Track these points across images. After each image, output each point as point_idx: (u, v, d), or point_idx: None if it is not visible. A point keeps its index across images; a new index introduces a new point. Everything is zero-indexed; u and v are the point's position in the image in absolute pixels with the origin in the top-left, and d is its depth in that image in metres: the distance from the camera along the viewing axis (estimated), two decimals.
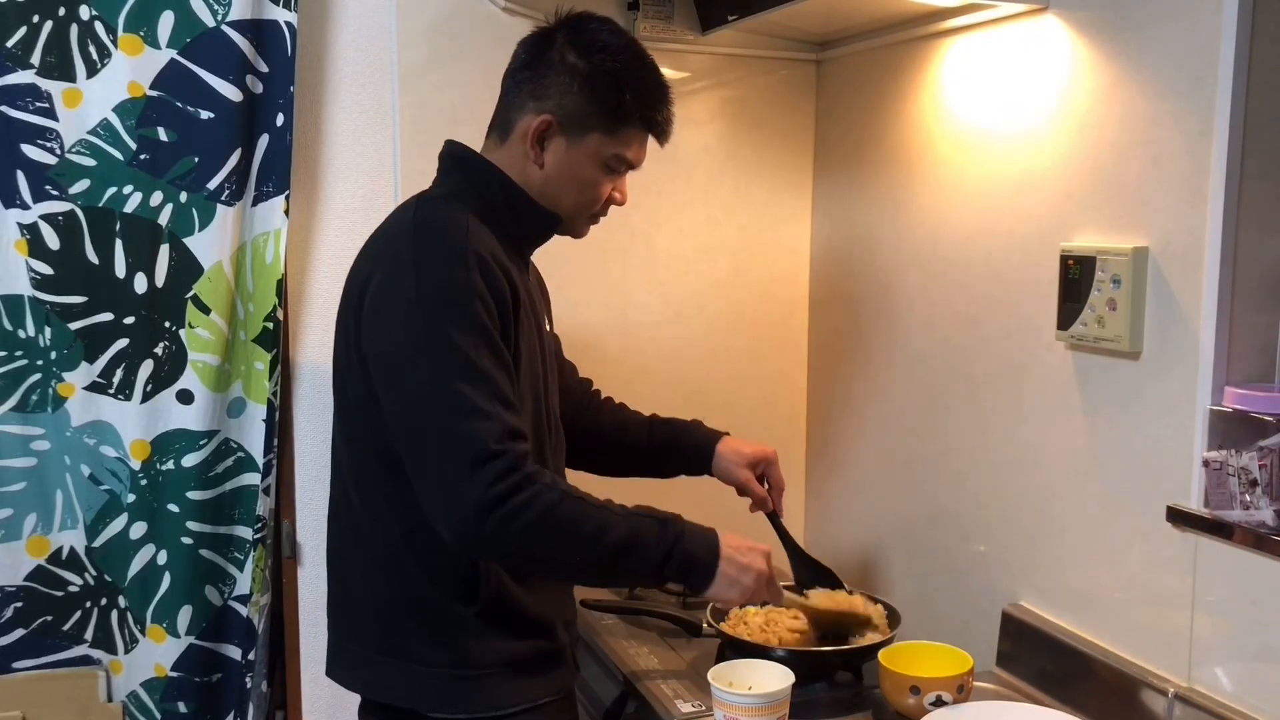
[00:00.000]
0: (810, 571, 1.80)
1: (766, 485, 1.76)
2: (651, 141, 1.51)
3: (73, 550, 1.81)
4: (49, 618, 1.81)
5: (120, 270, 1.77)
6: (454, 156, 1.50)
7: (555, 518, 1.29)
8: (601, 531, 1.32)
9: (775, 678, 1.44)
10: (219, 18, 1.76)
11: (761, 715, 1.39)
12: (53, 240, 1.74)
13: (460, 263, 1.32)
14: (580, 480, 1.51)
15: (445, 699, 1.42)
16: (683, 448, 1.75)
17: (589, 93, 1.41)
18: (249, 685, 1.87)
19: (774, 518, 1.77)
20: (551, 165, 1.44)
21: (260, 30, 1.79)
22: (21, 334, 1.75)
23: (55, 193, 1.73)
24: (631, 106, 1.43)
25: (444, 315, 1.30)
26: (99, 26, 1.72)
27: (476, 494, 1.26)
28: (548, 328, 1.60)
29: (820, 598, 1.72)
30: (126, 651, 1.85)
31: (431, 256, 1.33)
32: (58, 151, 1.73)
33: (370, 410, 1.39)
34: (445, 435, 1.28)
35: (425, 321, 1.30)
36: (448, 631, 1.41)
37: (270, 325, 1.84)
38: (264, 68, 1.80)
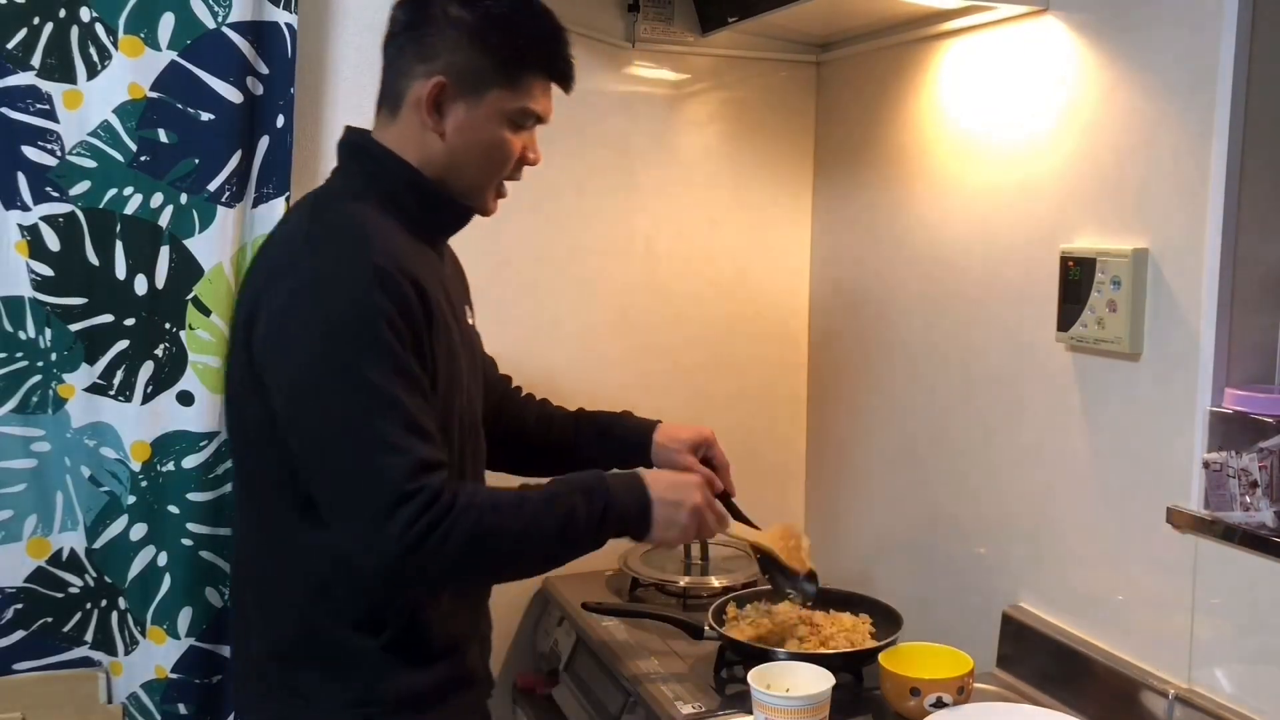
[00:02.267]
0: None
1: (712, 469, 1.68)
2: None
3: (73, 552, 1.81)
4: (49, 619, 1.81)
5: (120, 272, 1.77)
6: (353, 147, 1.40)
7: (480, 538, 1.25)
8: (530, 530, 1.29)
9: (814, 680, 1.42)
10: (219, 19, 1.76)
11: (804, 717, 1.38)
12: (53, 242, 1.74)
13: (362, 283, 1.24)
14: (505, 482, 1.47)
15: None
16: (614, 440, 1.66)
17: (480, 45, 1.31)
18: None
19: (725, 498, 1.68)
20: (453, 132, 1.34)
21: (260, 32, 1.79)
22: (22, 335, 1.75)
23: (55, 194, 1.73)
24: (529, 54, 1.34)
25: (350, 344, 1.23)
26: (99, 28, 1.72)
27: (394, 538, 1.21)
28: (469, 319, 1.52)
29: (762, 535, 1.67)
30: (127, 653, 1.85)
31: (332, 278, 1.26)
32: (58, 153, 1.73)
33: (265, 434, 1.32)
34: (358, 476, 1.23)
35: (330, 352, 1.23)
36: (348, 668, 1.35)
37: None
38: (264, 69, 1.80)
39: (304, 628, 1.36)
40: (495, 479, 1.56)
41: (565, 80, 1.41)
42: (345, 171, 1.42)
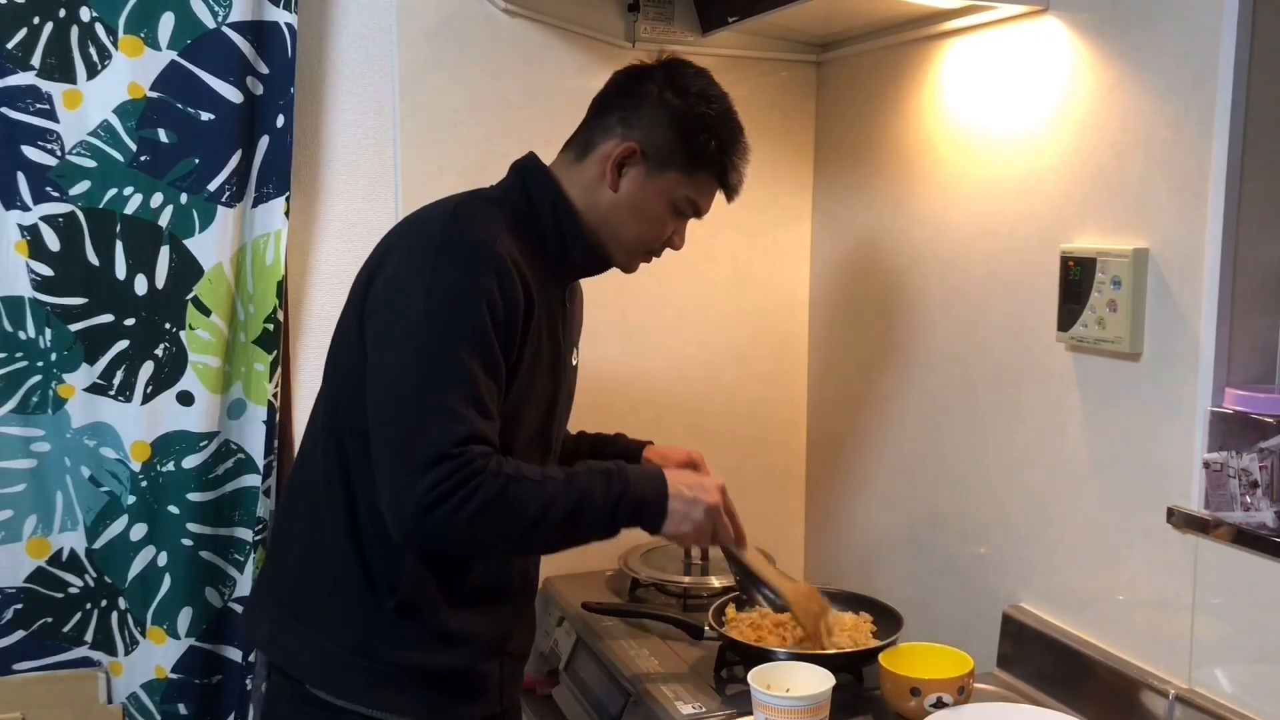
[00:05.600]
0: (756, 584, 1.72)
1: None
2: None
3: (73, 552, 1.81)
4: (49, 619, 1.81)
5: (120, 272, 1.77)
6: (523, 168, 1.50)
7: (498, 505, 1.29)
8: (548, 507, 1.33)
9: (814, 680, 1.43)
10: (219, 19, 1.76)
11: (804, 717, 1.38)
12: (53, 242, 1.74)
13: (480, 261, 1.33)
14: None
15: (336, 681, 1.40)
16: (608, 455, 1.70)
17: (678, 130, 1.44)
18: (249, 687, 1.87)
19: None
20: (625, 192, 1.45)
21: (261, 31, 1.79)
22: (22, 335, 1.75)
23: (55, 194, 1.73)
24: (714, 154, 1.46)
25: (446, 309, 1.31)
26: (99, 28, 1.72)
27: (420, 494, 1.26)
28: (574, 359, 1.59)
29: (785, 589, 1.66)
30: (127, 653, 1.85)
31: (454, 249, 1.34)
32: (58, 153, 1.73)
33: (350, 374, 1.39)
34: (411, 427, 1.29)
35: (428, 310, 1.31)
36: (359, 615, 1.40)
37: (270, 327, 1.84)
38: (264, 69, 1.80)
39: (332, 563, 1.41)
40: None
41: (731, 192, 1.53)
42: (508, 184, 1.50)
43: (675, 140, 1.44)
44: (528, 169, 1.50)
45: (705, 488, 1.45)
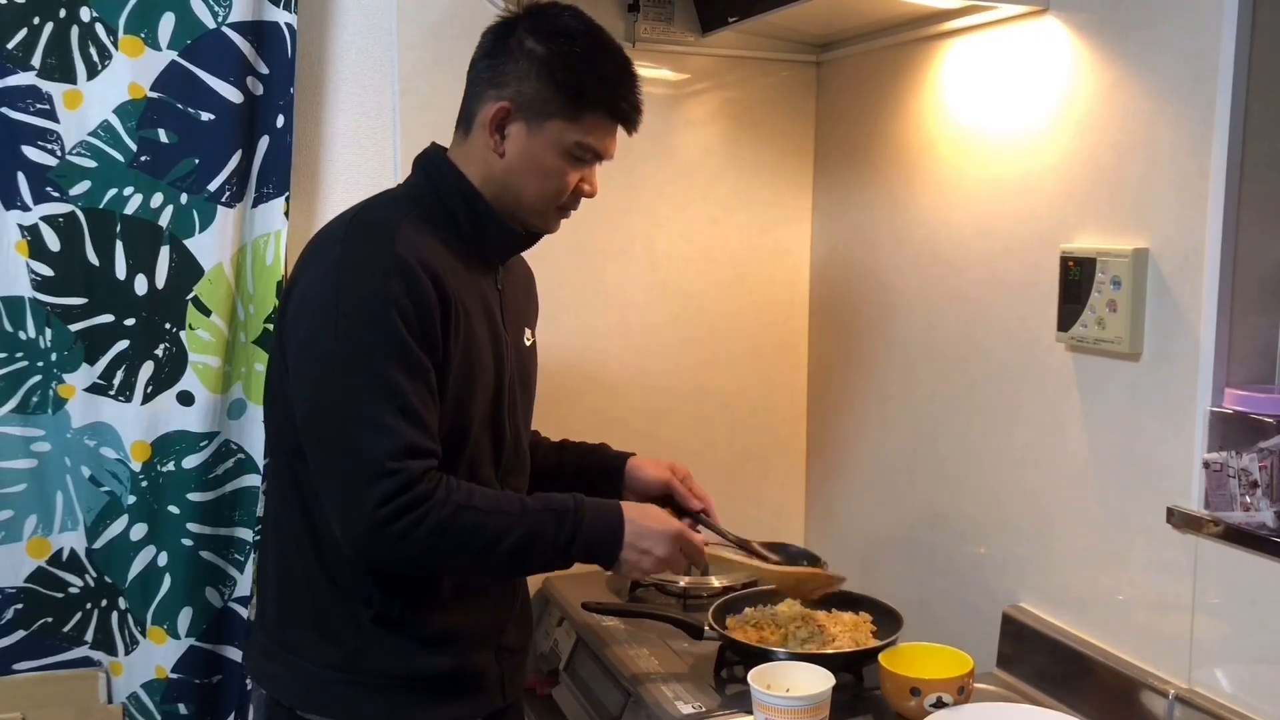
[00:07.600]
0: (775, 555, 1.72)
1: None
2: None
3: (73, 552, 1.81)
4: (49, 619, 1.81)
5: (121, 272, 1.77)
6: (425, 159, 1.48)
7: (446, 533, 1.29)
8: (497, 539, 1.33)
9: (814, 680, 1.43)
10: (219, 19, 1.76)
11: (804, 717, 1.39)
12: (53, 242, 1.74)
13: (380, 269, 1.30)
14: None
15: (325, 702, 1.40)
16: (591, 467, 1.69)
17: (547, 78, 1.37)
18: (249, 687, 1.87)
19: (705, 521, 1.65)
20: (513, 154, 1.40)
21: (261, 32, 1.79)
22: (22, 335, 1.75)
23: (56, 194, 1.73)
24: (593, 91, 1.39)
25: (358, 324, 1.29)
26: (99, 28, 1.72)
27: (366, 512, 1.26)
28: (526, 340, 1.57)
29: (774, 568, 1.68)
30: (127, 653, 1.85)
31: (354, 260, 1.33)
32: (58, 153, 1.73)
33: (283, 395, 1.39)
34: (344, 448, 1.29)
35: (339, 329, 1.30)
36: (339, 631, 1.39)
37: (270, 327, 1.84)
38: (264, 69, 1.80)
39: (304, 585, 1.41)
40: None
41: (628, 123, 1.44)
42: (411, 180, 1.48)
43: (548, 88, 1.37)
44: (427, 160, 1.47)
45: (659, 539, 1.42)
